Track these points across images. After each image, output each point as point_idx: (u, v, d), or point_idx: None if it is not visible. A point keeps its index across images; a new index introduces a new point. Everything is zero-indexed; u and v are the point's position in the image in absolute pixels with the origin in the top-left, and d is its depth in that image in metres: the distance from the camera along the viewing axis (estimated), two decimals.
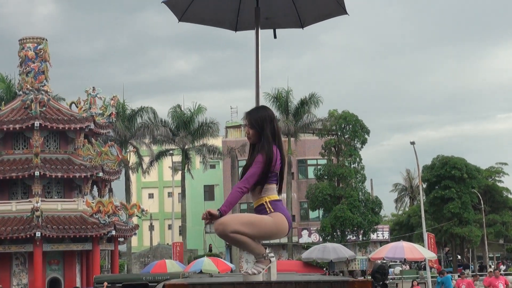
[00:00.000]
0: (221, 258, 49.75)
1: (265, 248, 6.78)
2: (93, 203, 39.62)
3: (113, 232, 39.49)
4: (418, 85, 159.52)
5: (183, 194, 59.26)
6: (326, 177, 57.26)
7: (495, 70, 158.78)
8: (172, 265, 36.30)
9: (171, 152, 59.71)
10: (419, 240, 60.67)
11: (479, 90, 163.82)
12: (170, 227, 75.73)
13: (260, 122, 6.59)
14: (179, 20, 7.55)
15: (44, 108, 39.90)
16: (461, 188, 63.65)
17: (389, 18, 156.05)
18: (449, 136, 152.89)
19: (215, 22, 7.73)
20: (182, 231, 60.63)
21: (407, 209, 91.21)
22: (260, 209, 6.54)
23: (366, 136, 57.13)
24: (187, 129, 58.77)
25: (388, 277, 43.40)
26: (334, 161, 57.73)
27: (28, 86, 41.05)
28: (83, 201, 40.04)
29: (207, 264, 34.86)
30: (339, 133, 57.32)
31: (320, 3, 7.35)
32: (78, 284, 39.62)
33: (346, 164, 56.40)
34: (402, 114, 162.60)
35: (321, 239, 57.30)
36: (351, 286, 6.16)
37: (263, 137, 6.54)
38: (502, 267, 66.72)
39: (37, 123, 39.02)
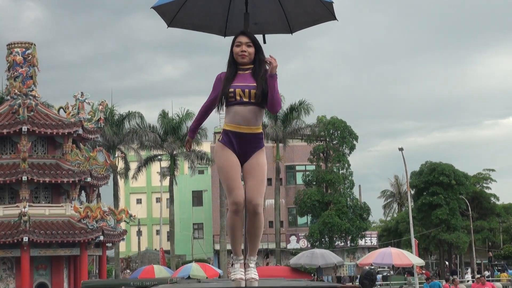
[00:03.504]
0: (209, 263, 49.69)
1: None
2: (81, 208, 39.50)
3: (101, 238, 39.37)
4: (406, 92, 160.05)
5: (171, 200, 59.19)
6: (314, 183, 57.32)
7: (482, 76, 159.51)
8: (160, 271, 36.24)
9: (159, 157, 59.63)
10: (407, 246, 60.80)
11: (466, 97, 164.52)
12: (158, 232, 75.58)
13: (258, 42, 6.70)
14: (168, 26, 7.55)
15: (32, 113, 39.76)
16: (449, 194, 63.85)
17: (377, 25, 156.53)
18: (437, 142, 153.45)
19: (204, 28, 7.74)
20: (170, 236, 60.54)
21: (395, 215, 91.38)
22: (260, 138, 6.68)
23: (355, 142, 57.23)
24: (175, 134, 58.71)
25: (376, 283, 43.44)
26: (322, 167, 57.80)
27: (16, 91, 40.92)
28: (71, 206, 39.91)
29: (195, 269, 34.82)
30: (327, 139, 57.41)
31: (309, 9, 7.37)
32: None
33: (335, 170, 56.49)
34: (390, 120, 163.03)
35: (309, 245, 57.34)
36: None
37: (261, 57, 6.67)
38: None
39: (24, 128, 38.88)
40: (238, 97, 6.55)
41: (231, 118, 6.61)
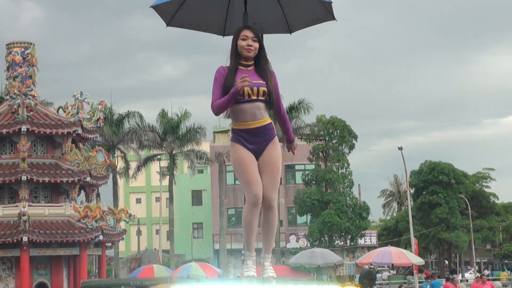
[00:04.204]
0: (209, 263, 49.68)
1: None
2: (80, 208, 39.50)
3: (101, 237, 39.38)
4: (405, 91, 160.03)
5: (170, 199, 59.16)
6: (314, 182, 57.27)
7: (481, 76, 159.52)
8: (160, 270, 36.21)
9: (158, 157, 59.60)
10: (407, 245, 60.76)
11: (466, 96, 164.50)
12: (157, 232, 75.57)
13: (261, 38, 6.69)
14: (167, 25, 7.54)
15: (31, 112, 39.76)
16: (448, 193, 63.86)
17: (376, 24, 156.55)
18: (436, 141, 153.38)
19: (203, 27, 7.73)
20: (170, 236, 60.52)
21: (394, 214, 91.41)
22: (271, 128, 6.71)
23: (354, 141, 57.20)
24: (174, 134, 58.69)
25: (376, 282, 43.46)
26: (322, 166, 57.77)
27: (15, 90, 40.92)
28: (71, 206, 39.91)
29: (194, 269, 34.78)
30: (327, 138, 57.36)
31: (308, 9, 7.36)
32: None
33: (334, 169, 56.44)
34: (390, 120, 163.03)
35: (309, 244, 57.31)
36: None
37: (263, 53, 6.68)
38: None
39: (24, 128, 38.87)
40: (246, 96, 6.52)
41: (238, 117, 6.57)
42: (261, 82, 6.54)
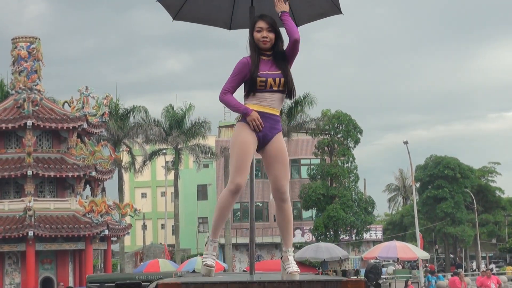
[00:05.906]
0: None
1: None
2: (86, 202, 39.55)
3: (106, 232, 39.44)
4: (410, 85, 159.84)
5: (176, 194, 59.16)
6: (319, 176, 57.22)
7: (486, 69, 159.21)
8: (165, 265, 36.24)
9: (164, 151, 59.56)
10: (412, 239, 60.76)
11: (471, 90, 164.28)
12: (163, 226, 75.63)
13: (277, 27, 6.64)
14: (173, 19, 7.53)
15: (37, 107, 39.81)
16: (454, 187, 63.83)
17: (381, 18, 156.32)
18: (441, 136, 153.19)
19: (209, 21, 7.72)
20: (175, 230, 60.55)
21: (400, 209, 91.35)
22: (279, 120, 6.62)
23: (359, 135, 57.13)
24: (180, 128, 58.67)
25: (381, 276, 43.45)
26: (327, 160, 57.70)
27: (21, 85, 40.95)
28: (76, 201, 39.98)
29: (200, 263, 34.72)
30: (332, 133, 57.27)
31: (314, 3, 7.35)
32: (71, 283, 39.55)
33: (339, 163, 56.37)
34: (394, 114, 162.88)
35: (314, 239, 57.29)
36: (345, 285, 6.16)
37: (278, 43, 6.63)
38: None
39: (29, 122, 38.92)
40: (268, 87, 6.49)
41: (256, 101, 6.52)
42: (279, 72, 6.52)
